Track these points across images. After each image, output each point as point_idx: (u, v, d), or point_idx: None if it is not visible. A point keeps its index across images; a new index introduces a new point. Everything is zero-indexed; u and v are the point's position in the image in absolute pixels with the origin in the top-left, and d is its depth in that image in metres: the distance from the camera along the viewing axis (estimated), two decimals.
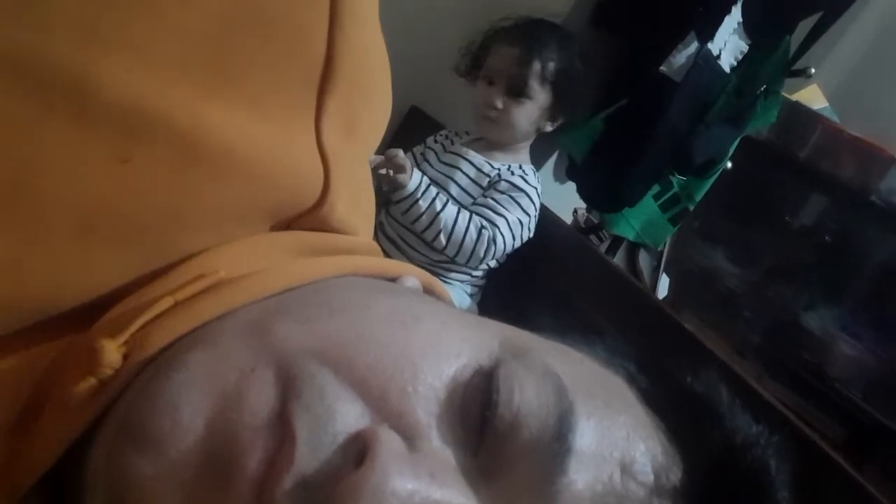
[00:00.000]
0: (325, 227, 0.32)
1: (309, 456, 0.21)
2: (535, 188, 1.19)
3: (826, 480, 1.06)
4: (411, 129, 1.42)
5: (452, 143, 1.29)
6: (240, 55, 0.26)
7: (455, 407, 0.24)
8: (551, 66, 1.16)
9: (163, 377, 0.23)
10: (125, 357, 0.24)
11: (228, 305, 0.26)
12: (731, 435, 0.28)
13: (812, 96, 1.49)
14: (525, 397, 0.25)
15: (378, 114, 0.35)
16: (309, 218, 0.31)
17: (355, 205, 0.33)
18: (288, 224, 0.31)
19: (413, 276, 0.35)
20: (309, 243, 0.31)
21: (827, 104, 1.50)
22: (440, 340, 0.26)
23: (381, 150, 1.13)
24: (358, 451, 0.21)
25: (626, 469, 0.25)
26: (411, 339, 0.25)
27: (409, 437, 0.23)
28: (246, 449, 0.21)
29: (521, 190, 1.17)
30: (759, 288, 1.53)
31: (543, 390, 0.25)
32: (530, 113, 1.19)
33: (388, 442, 0.22)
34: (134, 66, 0.24)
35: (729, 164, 1.34)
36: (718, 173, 1.34)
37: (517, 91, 1.16)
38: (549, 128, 1.23)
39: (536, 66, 1.16)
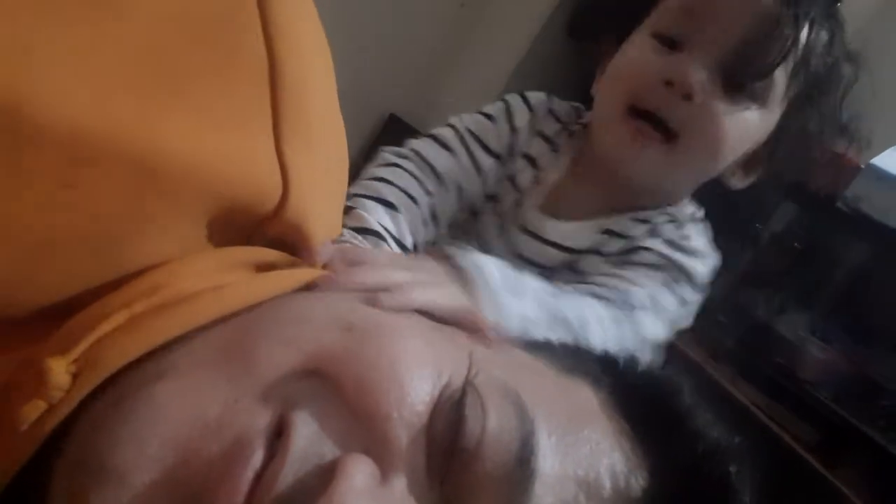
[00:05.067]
0: (286, 233, 0.31)
1: (288, 489, 0.21)
2: None
3: (795, 479, 1.08)
4: (391, 137, 1.42)
5: (518, 206, 0.65)
6: (181, 63, 0.25)
7: (429, 430, 0.24)
8: (822, 46, 0.55)
9: (125, 412, 0.22)
10: (75, 376, 0.23)
11: (189, 324, 0.25)
12: (694, 438, 0.28)
13: None
14: (489, 423, 0.24)
15: (325, 100, 0.33)
16: (270, 224, 0.30)
17: (317, 206, 0.32)
18: (250, 231, 0.30)
19: None
20: (272, 257, 0.30)
21: None
22: (426, 360, 0.26)
23: (361, 159, 1.09)
24: (328, 481, 0.21)
25: (589, 487, 0.25)
26: (399, 357, 0.25)
27: (386, 464, 0.23)
28: (219, 483, 0.21)
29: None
30: (732, 293, 1.55)
31: (506, 413, 0.25)
32: (746, 130, 0.56)
33: (353, 476, 0.21)
34: (71, 84, 0.23)
35: None
36: None
37: (742, 76, 0.53)
38: (737, 183, 0.62)
39: (804, 35, 0.53)
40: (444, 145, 0.64)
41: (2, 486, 0.23)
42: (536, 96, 0.69)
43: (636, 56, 0.59)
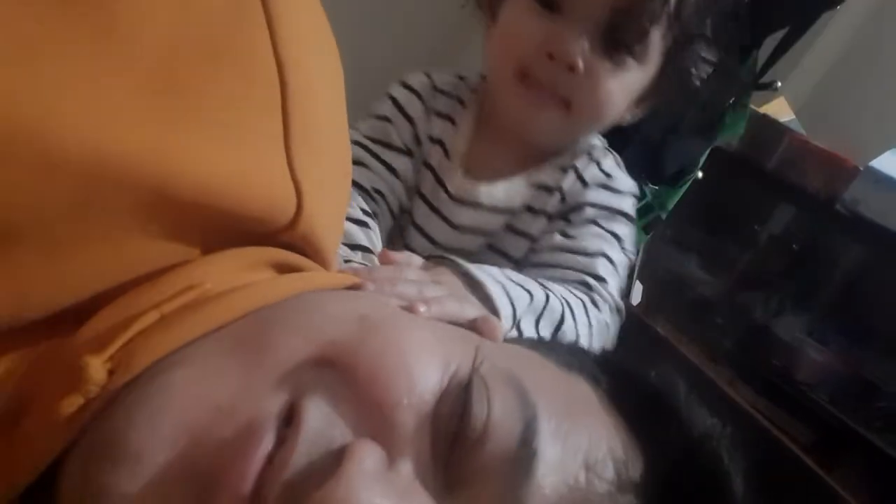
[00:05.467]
0: (297, 243, 0.31)
1: (297, 472, 0.22)
2: None
3: (792, 480, 1.08)
4: None
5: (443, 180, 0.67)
6: (193, 85, 0.25)
7: (435, 416, 0.25)
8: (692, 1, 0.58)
9: (144, 398, 0.23)
10: (110, 373, 0.24)
11: (217, 322, 0.26)
12: (687, 429, 0.29)
13: (779, 109, 1.53)
14: (494, 408, 0.25)
15: (330, 100, 0.33)
16: (282, 235, 0.30)
17: (325, 215, 0.32)
18: (262, 242, 0.30)
19: None
20: (290, 260, 0.31)
21: (793, 116, 1.54)
22: (435, 351, 0.26)
23: None
24: (337, 465, 0.22)
25: (589, 469, 0.26)
26: (409, 347, 0.26)
27: (393, 449, 0.24)
28: (230, 465, 0.22)
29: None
30: (730, 295, 1.56)
31: (509, 399, 0.26)
32: (630, 86, 0.61)
33: (362, 460, 0.22)
34: (87, 113, 0.23)
35: (700, 174, 1.37)
36: (689, 182, 1.37)
37: (620, 40, 0.57)
38: (629, 119, 0.66)
39: None
40: (357, 162, 0.66)
41: (37, 476, 0.24)
42: (417, 79, 0.70)
43: (517, 21, 0.60)
